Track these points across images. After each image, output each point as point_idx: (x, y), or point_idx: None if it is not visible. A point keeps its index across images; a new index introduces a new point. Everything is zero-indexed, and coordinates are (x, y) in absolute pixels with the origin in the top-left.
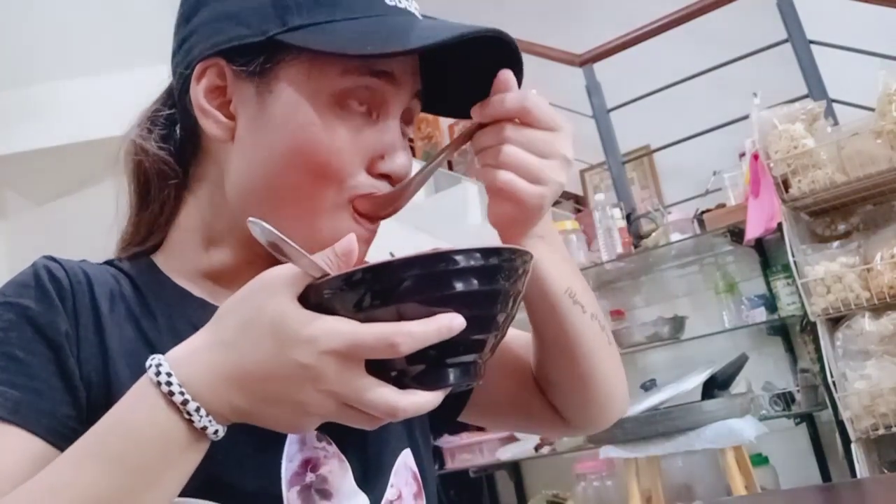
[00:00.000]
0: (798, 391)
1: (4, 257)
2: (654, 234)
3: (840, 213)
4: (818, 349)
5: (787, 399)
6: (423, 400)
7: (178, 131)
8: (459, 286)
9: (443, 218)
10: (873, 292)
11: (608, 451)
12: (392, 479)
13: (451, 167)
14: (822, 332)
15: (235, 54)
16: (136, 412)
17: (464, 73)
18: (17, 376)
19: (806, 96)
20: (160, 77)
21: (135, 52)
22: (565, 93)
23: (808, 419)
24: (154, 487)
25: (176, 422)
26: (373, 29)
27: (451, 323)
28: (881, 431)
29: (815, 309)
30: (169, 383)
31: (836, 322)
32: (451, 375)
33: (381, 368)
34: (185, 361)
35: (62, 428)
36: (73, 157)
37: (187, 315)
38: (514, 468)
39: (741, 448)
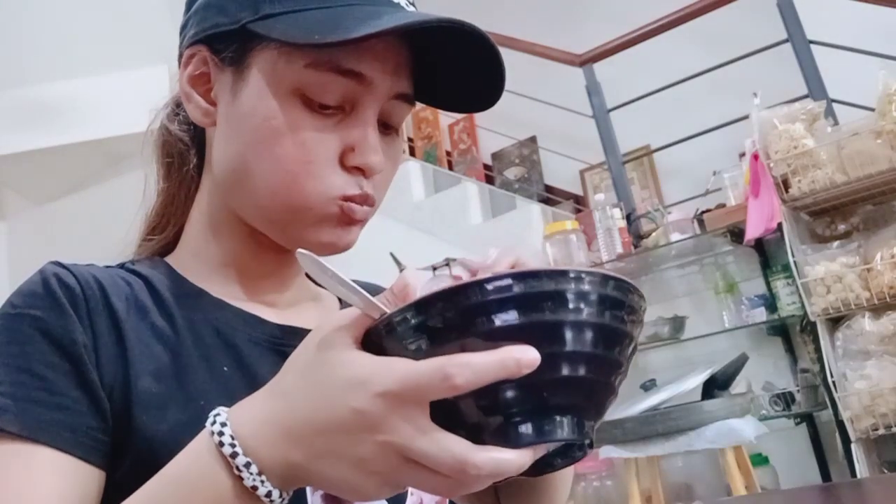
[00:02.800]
0: (798, 391)
1: (4, 257)
2: (654, 234)
3: (840, 213)
4: (818, 349)
5: (787, 399)
6: (502, 457)
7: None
8: (546, 315)
9: (443, 218)
10: (873, 292)
11: (608, 451)
12: (411, 488)
13: (451, 167)
14: (822, 332)
15: (216, 42)
16: (193, 463)
17: (456, 68)
18: (39, 392)
19: (806, 96)
20: (160, 77)
21: (135, 52)
22: (565, 93)
23: (808, 419)
24: None
25: (226, 478)
26: (335, 18)
27: (519, 355)
28: (881, 431)
29: (815, 309)
30: (221, 433)
31: (836, 322)
32: (538, 431)
33: (453, 422)
34: (242, 411)
35: (89, 441)
36: (73, 157)
37: (206, 315)
38: None
39: (741, 448)
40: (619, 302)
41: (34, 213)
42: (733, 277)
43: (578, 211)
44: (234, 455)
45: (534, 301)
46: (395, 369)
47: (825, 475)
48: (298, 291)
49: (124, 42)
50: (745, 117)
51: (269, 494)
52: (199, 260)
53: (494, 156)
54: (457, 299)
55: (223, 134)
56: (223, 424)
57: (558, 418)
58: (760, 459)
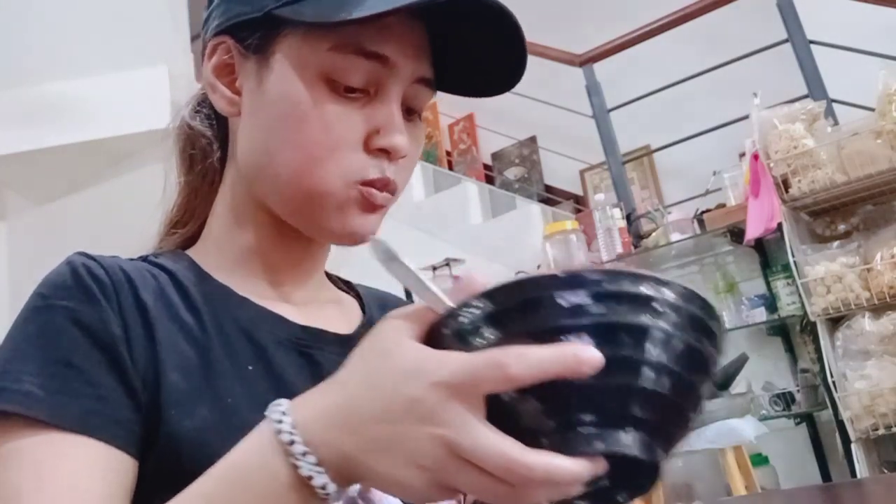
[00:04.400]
0: (798, 391)
1: (4, 257)
2: (654, 234)
3: (840, 213)
4: (818, 349)
5: (787, 399)
6: (556, 462)
7: (212, 113)
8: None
9: (443, 218)
10: (873, 292)
11: None
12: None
13: (451, 167)
14: (822, 332)
15: (239, 31)
16: (250, 453)
17: (475, 49)
18: (78, 384)
19: (806, 96)
20: (160, 77)
21: (135, 52)
22: (565, 93)
23: (808, 419)
24: None
25: (283, 467)
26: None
27: (580, 353)
28: (881, 431)
29: (815, 309)
30: (280, 421)
31: (836, 322)
32: (599, 439)
33: (510, 425)
34: (303, 401)
35: (128, 433)
36: (73, 157)
37: (231, 313)
38: None
39: (741, 448)
40: (700, 322)
41: (34, 213)
42: (733, 277)
43: (578, 211)
44: (292, 443)
45: (609, 300)
46: (452, 360)
47: (825, 475)
48: (319, 290)
49: (124, 42)
50: (745, 117)
51: (324, 487)
52: (222, 252)
53: (494, 156)
54: (525, 293)
55: (248, 123)
56: (283, 413)
57: (623, 430)
58: (760, 459)
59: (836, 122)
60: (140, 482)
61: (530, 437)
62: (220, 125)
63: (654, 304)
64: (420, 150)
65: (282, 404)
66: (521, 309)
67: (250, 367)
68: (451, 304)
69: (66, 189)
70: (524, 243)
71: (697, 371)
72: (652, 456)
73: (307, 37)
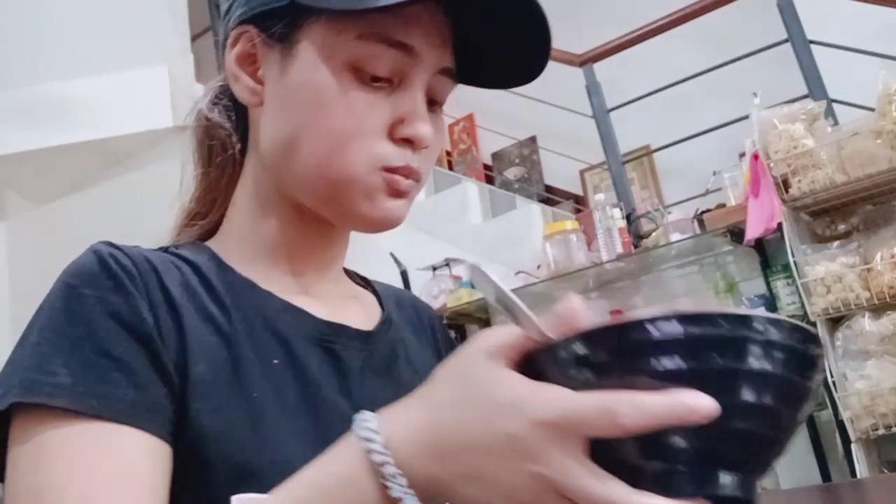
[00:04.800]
0: None
1: (4, 257)
2: (654, 234)
3: (840, 213)
4: None
5: None
6: None
7: (231, 104)
8: (745, 363)
9: (443, 218)
10: (873, 292)
11: None
12: None
13: (451, 167)
14: (822, 332)
15: (264, 20)
16: (338, 469)
17: (498, 44)
18: (114, 373)
19: (806, 96)
20: (160, 77)
21: (135, 52)
22: (565, 93)
23: (807, 419)
24: None
25: (372, 487)
26: None
27: (693, 402)
28: (881, 431)
29: (815, 309)
30: (370, 440)
31: (836, 322)
32: (701, 482)
33: (610, 462)
34: (392, 420)
35: (167, 422)
36: (73, 157)
37: (256, 305)
38: None
39: None
40: (803, 355)
41: (34, 213)
42: (733, 277)
43: (578, 211)
44: (384, 464)
45: (714, 345)
46: (556, 398)
47: (825, 475)
48: (339, 284)
49: (124, 42)
50: (745, 117)
51: None
52: (244, 244)
53: (494, 156)
54: (630, 335)
55: (271, 111)
56: (373, 431)
57: (724, 472)
58: None
59: (836, 122)
60: None
61: (628, 474)
62: (240, 116)
63: (761, 346)
64: (442, 142)
65: (369, 420)
66: (625, 350)
67: (275, 362)
68: (551, 335)
69: (66, 189)
70: (524, 243)
71: (799, 403)
72: (750, 494)
73: (333, 25)
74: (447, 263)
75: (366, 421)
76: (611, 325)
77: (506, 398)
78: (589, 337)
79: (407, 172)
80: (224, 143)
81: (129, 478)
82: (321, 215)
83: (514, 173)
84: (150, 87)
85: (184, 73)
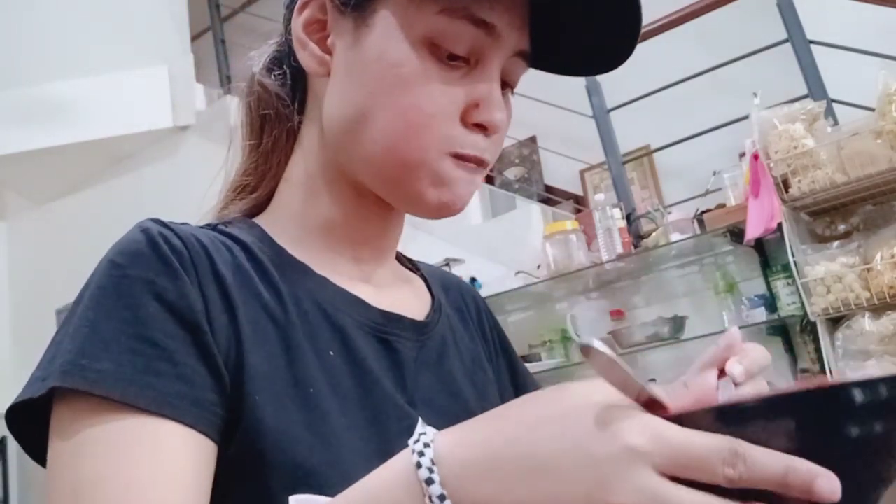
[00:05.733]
0: None
1: (4, 257)
2: (654, 234)
3: (840, 213)
4: (818, 349)
5: None
6: None
7: (288, 71)
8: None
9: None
10: (873, 292)
11: None
12: None
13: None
14: (822, 332)
15: None
16: (387, 479)
17: (576, 28)
18: (160, 362)
19: (806, 96)
20: (160, 77)
21: (135, 52)
22: (565, 93)
23: None
24: None
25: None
26: None
27: (809, 474)
28: None
29: (815, 309)
30: (422, 454)
31: (836, 322)
32: None
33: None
34: (451, 437)
35: (212, 416)
36: (73, 157)
37: (310, 292)
38: None
39: None
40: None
41: (34, 213)
42: (733, 277)
43: (578, 211)
44: (430, 482)
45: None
46: (673, 430)
47: None
48: (392, 269)
49: (124, 42)
50: (745, 117)
51: None
52: (295, 223)
53: None
54: (764, 415)
55: (339, 83)
56: (426, 445)
57: None
58: None
59: (836, 122)
60: (218, 470)
61: None
62: (297, 85)
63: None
64: (509, 124)
65: (427, 433)
66: (766, 429)
67: (331, 353)
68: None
69: (66, 189)
70: (524, 243)
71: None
72: None
73: None
74: (447, 263)
75: (423, 434)
76: (742, 405)
77: (606, 419)
78: (721, 416)
79: (477, 162)
80: (280, 112)
81: (170, 478)
82: (380, 197)
83: (514, 173)
84: (150, 87)
85: (184, 73)
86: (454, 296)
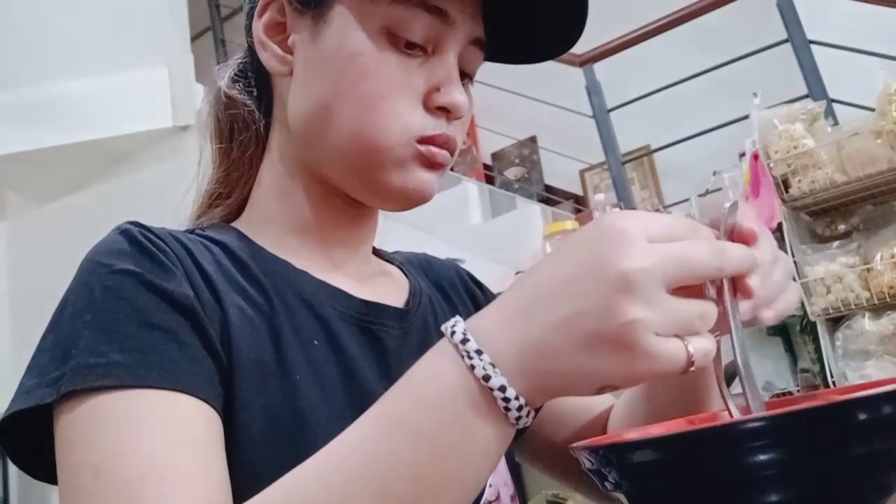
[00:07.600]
0: (798, 391)
1: (4, 257)
2: None
3: (840, 213)
4: (818, 349)
5: None
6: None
7: (253, 78)
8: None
9: (442, 217)
10: (873, 292)
11: None
12: (491, 479)
13: (451, 167)
14: (822, 332)
15: None
16: (424, 367)
17: (527, 20)
18: (168, 344)
19: (806, 96)
20: (160, 77)
21: (135, 53)
22: (565, 93)
23: None
24: (460, 457)
25: (459, 374)
26: None
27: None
28: None
29: (815, 309)
30: (455, 325)
31: (836, 322)
32: None
33: None
34: (480, 314)
35: (219, 395)
36: (73, 157)
37: (292, 285)
38: (515, 467)
39: None
40: None
41: (34, 213)
42: None
43: (578, 211)
44: (465, 341)
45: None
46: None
47: None
48: (369, 263)
49: (124, 42)
50: (745, 117)
51: (503, 388)
52: (271, 224)
53: (494, 156)
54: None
55: (301, 80)
56: (456, 321)
57: None
58: None
59: (836, 122)
60: None
61: None
62: (262, 92)
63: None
64: (471, 115)
65: (458, 323)
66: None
67: (315, 342)
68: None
69: (66, 189)
70: (524, 243)
71: None
72: None
73: None
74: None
75: (456, 323)
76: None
77: (617, 235)
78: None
79: (443, 141)
80: (246, 119)
81: (189, 444)
82: (349, 193)
83: (514, 173)
84: (150, 87)
85: (184, 73)
86: (434, 275)
